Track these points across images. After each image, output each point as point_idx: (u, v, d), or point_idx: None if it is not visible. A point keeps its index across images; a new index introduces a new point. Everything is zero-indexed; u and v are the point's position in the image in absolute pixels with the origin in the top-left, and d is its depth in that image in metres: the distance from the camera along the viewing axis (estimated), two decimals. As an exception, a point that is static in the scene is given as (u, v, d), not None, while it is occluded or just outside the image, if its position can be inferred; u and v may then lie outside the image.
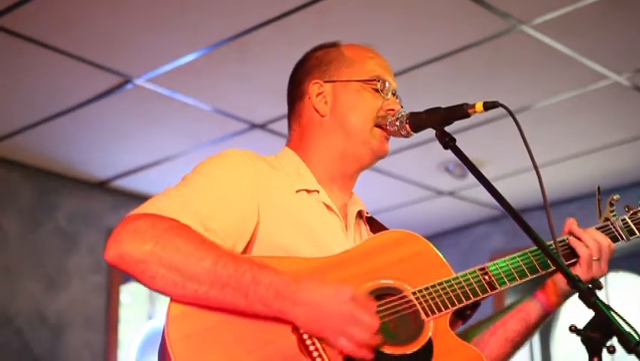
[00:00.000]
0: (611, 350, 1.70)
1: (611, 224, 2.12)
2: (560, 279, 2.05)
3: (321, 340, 1.73)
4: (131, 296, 6.21)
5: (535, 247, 1.99)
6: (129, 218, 1.78)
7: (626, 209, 2.17)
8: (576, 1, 4.08)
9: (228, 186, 1.90)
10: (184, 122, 5.14)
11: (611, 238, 2.10)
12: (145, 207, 1.81)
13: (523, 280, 1.99)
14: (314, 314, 1.71)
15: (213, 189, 1.88)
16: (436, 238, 6.87)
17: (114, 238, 1.75)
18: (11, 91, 4.74)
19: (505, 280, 1.97)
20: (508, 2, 4.09)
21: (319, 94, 2.10)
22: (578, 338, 1.77)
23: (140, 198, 6.01)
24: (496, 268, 1.97)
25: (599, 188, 2.14)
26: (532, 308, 2.09)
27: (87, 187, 5.91)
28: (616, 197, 2.16)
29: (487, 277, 1.95)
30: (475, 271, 1.95)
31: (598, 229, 2.11)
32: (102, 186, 5.96)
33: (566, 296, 2.07)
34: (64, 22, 4.11)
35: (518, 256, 2.01)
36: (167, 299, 1.76)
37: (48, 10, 3.99)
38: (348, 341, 1.71)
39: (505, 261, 1.99)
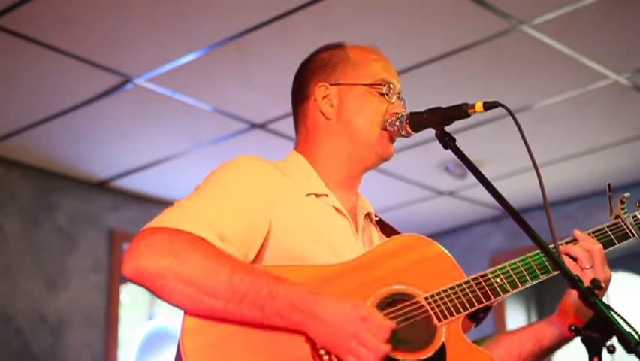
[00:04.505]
0: (611, 350, 1.71)
1: (622, 221, 2.12)
2: (571, 296, 2.00)
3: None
4: (131, 296, 6.20)
5: (538, 251, 1.98)
6: (145, 232, 1.78)
7: (638, 204, 2.16)
8: (576, 1, 4.08)
9: (241, 194, 1.91)
10: (184, 122, 5.13)
11: (622, 236, 2.10)
12: (159, 221, 1.81)
13: (531, 284, 1.98)
14: (328, 329, 1.73)
15: (226, 199, 1.89)
16: (435, 237, 6.77)
17: (131, 253, 1.75)
18: (11, 91, 4.73)
19: (518, 283, 1.96)
20: (508, 2, 4.09)
21: (325, 97, 2.11)
22: (578, 338, 1.77)
23: (140, 198, 6.02)
24: (508, 271, 1.97)
25: (609, 185, 2.15)
26: (547, 332, 2.08)
27: (87, 187, 5.90)
28: (627, 195, 2.16)
29: (498, 280, 1.95)
30: (486, 274, 1.96)
31: (609, 227, 2.11)
32: (102, 186, 5.96)
33: (580, 313, 1.99)
34: (64, 22, 4.11)
35: (530, 257, 2.01)
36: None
37: (48, 10, 3.99)
38: (356, 359, 1.72)
39: (517, 262, 1.99)
